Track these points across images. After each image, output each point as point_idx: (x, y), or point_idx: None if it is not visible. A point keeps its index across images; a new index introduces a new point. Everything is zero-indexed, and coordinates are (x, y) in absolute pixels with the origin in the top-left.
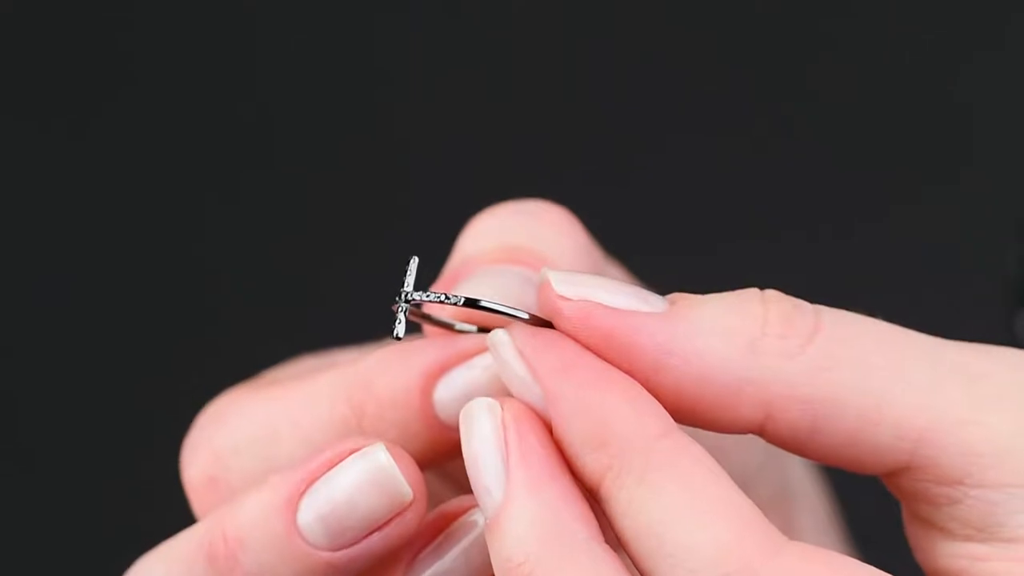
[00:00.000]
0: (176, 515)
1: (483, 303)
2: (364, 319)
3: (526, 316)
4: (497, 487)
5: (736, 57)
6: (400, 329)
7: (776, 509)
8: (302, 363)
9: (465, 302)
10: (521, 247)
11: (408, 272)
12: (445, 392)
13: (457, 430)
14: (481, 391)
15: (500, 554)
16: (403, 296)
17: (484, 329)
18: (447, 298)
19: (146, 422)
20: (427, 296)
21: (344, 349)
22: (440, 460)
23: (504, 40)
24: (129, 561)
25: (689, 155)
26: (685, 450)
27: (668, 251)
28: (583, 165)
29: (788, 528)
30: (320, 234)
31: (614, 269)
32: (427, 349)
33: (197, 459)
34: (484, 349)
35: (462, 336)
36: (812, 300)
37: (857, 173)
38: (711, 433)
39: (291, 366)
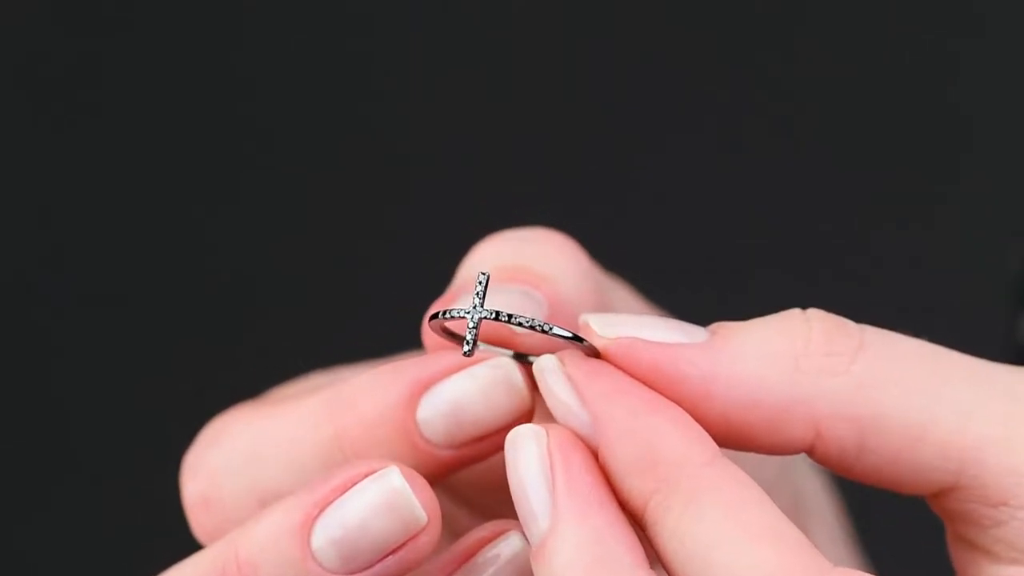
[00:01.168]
0: (176, 516)
1: (551, 328)
2: (364, 319)
3: (585, 343)
4: (543, 514)
5: (736, 57)
6: (468, 348)
7: None
8: (309, 381)
9: (536, 326)
10: (521, 267)
11: (478, 288)
12: (428, 409)
13: (441, 448)
14: (467, 405)
15: None
16: (474, 312)
17: (519, 355)
18: (511, 318)
19: (146, 422)
20: (496, 315)
21: (352, 366)
22: (431, 480)
23: (504, 40)
24: (129, 561)
25: (689, 155)
26: (731, 476)
27: (667, 250)
28: (583, 165)
29: None
30: (320, 234)
31: (617, 287)
32: (412, 366)
33: (193, 478)
34: (468, 364)
35: (447, 353)
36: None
37: (857, 173)
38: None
39: (297, 384)
